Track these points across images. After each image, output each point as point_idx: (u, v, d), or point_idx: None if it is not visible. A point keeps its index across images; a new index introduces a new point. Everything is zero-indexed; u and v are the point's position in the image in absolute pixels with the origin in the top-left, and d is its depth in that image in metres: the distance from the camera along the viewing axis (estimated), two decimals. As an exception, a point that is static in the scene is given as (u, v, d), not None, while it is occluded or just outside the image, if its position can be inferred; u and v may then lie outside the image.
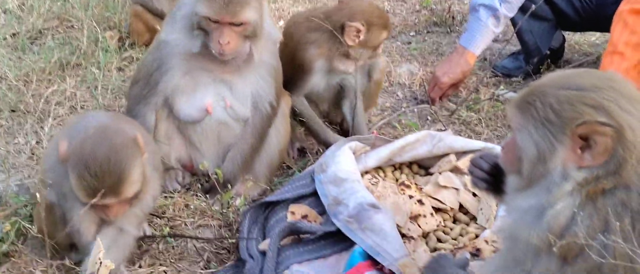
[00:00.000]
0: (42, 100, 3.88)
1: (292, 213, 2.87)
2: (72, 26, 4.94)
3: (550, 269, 1.58)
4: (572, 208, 1.58)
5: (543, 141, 1.65)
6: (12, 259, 2.79)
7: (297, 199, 2.95)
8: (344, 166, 2.88)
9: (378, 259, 2.45)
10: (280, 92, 3.34)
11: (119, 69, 4.37)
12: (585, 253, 1.53)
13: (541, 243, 1.59)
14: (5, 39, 4.60)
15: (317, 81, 3.55)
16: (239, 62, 3.09)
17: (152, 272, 2.80)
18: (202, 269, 2.84)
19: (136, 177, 2.39)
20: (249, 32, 3.01)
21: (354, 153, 3.06)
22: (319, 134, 3.59)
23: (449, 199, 2.91)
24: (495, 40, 5.09)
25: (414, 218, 2.77)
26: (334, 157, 2.96)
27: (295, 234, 2.74)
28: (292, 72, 3.49)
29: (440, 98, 4.17)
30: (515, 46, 4.89)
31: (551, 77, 1.75)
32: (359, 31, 3.37)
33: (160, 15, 4.36)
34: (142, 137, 2.50)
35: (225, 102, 3.19)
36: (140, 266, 2.83)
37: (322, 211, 2.86)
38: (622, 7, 3.64)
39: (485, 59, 4.86)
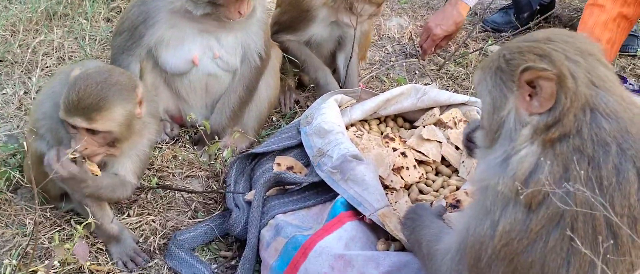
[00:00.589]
0: (30, 50, 3.87)
1: (278, 164, 2.91)
2: (59, -25, 4.87)
3: (516, 218, 1.63)
4: (536, 154, 1.63)
5: (495, 89, 1.72)
6: (2, 208, 2.84)
7: (283, 151, 2.99)
8: (328, 117, 2.91)
9: (359, 209, 2.50)
10: (269, 44, 3.34)
11: (107, 20, 4.34)
12: (548, 200, 1.59)
13: (508, 191, 1.64)
14: (-9, -12, 4.54)
15: (319, 30, 3.55)
16: (242, 18, 3.09)
17: (140, 221, 2.87)
18: (189, 218, 2.90)
19: (114, 115, 2.38)
20: None
21: (339, 106, 3.08)
22: (309, 69, 3.57)
23: (432, 152, 2.95)
24: (486, -5, 5.07)
25: (397, 170, 2.81)
26: (320, 110, 2.98)
27: (281, 185, 2.78)
28: (295, 18, 3.49)
29: (433, 50, 4.12)
30: (505, 0, 4.87)
31: (520, 37, 1.81)
32: None
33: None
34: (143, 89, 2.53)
35: (214, 53, 3.19)
36: (129, 215, 2.89)
37: (307, 163, 2.90)
38: None
39: (476, 14, 4.83)
